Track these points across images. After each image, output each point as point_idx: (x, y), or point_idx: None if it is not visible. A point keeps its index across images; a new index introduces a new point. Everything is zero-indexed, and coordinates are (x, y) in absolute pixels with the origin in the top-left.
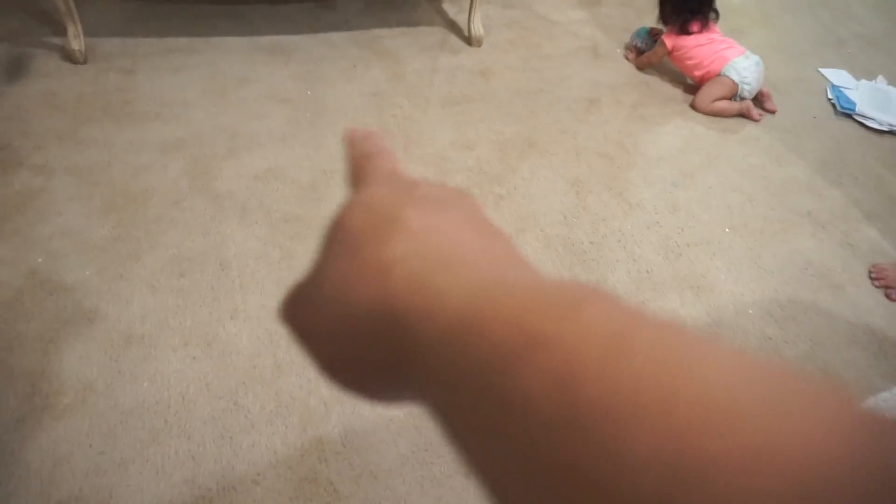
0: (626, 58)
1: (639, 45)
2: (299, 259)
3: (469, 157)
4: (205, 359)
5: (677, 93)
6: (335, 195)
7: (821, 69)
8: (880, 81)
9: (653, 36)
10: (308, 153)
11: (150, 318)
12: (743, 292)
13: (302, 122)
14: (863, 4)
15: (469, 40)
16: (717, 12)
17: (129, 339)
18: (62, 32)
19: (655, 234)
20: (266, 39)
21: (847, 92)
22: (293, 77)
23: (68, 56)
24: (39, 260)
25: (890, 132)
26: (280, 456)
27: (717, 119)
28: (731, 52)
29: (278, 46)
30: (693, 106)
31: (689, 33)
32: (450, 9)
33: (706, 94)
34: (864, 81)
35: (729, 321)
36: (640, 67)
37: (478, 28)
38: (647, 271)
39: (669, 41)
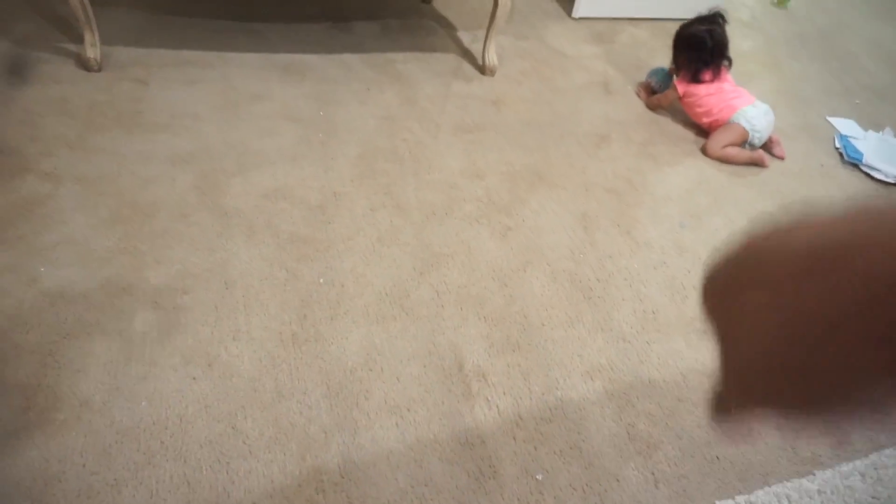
0: (638, 95)
1: (653, 84)
2: (304, 281)
3: (478, 187)
4: (205, 380)
5: (688, 133)
6: (343, 218)
7: (829, 118)
8: (887, 133)
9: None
10: (317, 174)
11: (151, 334)
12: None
13: (313, 142)
14: (870, 56)
15: (482, 69)
16: (730, 60)
17: (129, 356)
18: (78, 39)
19: (662, 274)
20: (281, 57)
21: (854, 142)
22: (306, 96)
23: (83, 63)
24: (42, 269)
25: None
26: (277, 485)
27: None
28: (740, 102)
29: (293, 65)
30: (704, 151)
31: (700, 82)
32: (464, 37)
33: (717, 140)
34: (871, 132)
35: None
36: (651, 107)
37: (492, 58)
38: (653, 312)
39: (681, 87)
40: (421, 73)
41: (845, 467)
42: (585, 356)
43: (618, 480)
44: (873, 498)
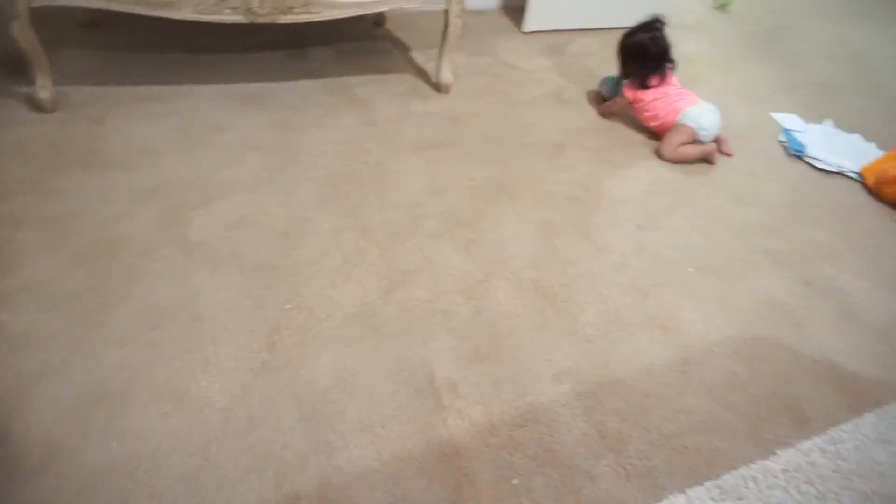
0: (591, 103)
1: (604, 92)
2: (272, 308)
3: (441, 202)
4: (176, 414)
5: (641, 138)
6: (308, 243)
7: (772, 114)
8: (828, 125)
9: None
10: (280, 201)
11: (120, 373)
12: (709, 331)
13: (274, 169)
14: (812, 53)
15: (438, 87)
16: (673, 63)
17: (99, 396)
18: (31, 81)
19: (623, 275)
20: (239, 87)
21: (797, 135)
22: (266, 125)
23: (36, 105)
24: (4, 315)
25: (839, 173)
26: None
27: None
28: (684, 104)
29: (251, 94)
30: (659, 154)
31: (648, 87)
32: (419, 57)
33: (670, 143)
34: (813, 125)
35: (697, 359)
36: (604, 115)
37: (447, 76)
38: (616, 312)
39: (629, 94)
40: (378, 94)
41: (805, 445)
42: (553, 360)
43: (591, 478)
44: (833, 472)
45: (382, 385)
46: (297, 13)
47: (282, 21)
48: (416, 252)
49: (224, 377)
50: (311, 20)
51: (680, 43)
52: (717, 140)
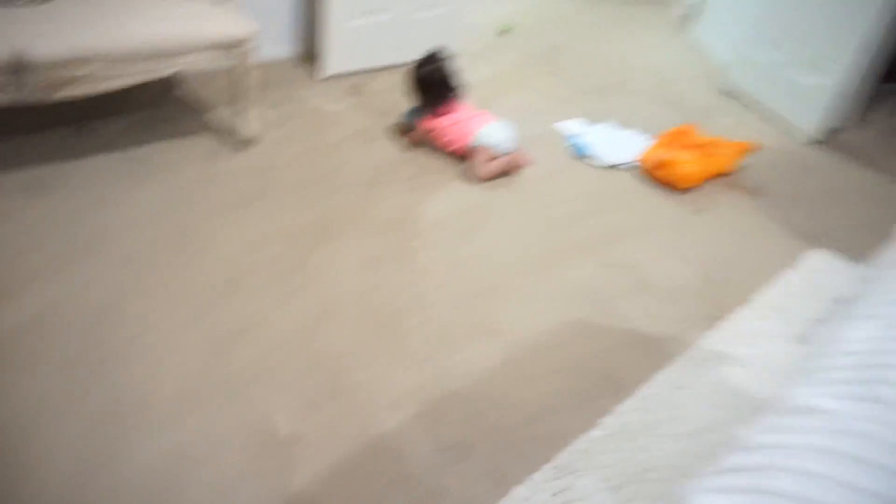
0: (397, 136)
1: (407, 125)
2: (91, 405)
3: (262, 255)
4: None
5: (447, 162)
6: (124, 325)
7: (555, 124)
8: (608, 124)
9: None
10: (82, 290)
11: None
12: (532, 326)
13: (70, 257)
14: (588, 64)
15: (246, 141)
16: (461, 89)
17: None
18: None
19: (446, 292)
20: (20, 175)
21: (579, 138)
22: (55, 211)
23: None
24: None
25: (622, 164)
26: None
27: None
28: (475, 125)
29: (35, 181)
30: (473, 177)
31: (440, 115)
32: (220, 114)
33: (477, 164)
34: (595, 126)
35: (522, 355)
36: (409, 146)
37: (251, 129)
38: (444, 329)
39: (426, 124)
40: (182, 159)
41: (621, 408)
42: (391, 388)
43: (443, 491)
44: (646, 425)
45: (224, 452)
46: (74, 88)
47: (58, 97)
48: (241, 311)
49: None
50: (93, 92)
51: (469, 69)
52: (515, 153)
